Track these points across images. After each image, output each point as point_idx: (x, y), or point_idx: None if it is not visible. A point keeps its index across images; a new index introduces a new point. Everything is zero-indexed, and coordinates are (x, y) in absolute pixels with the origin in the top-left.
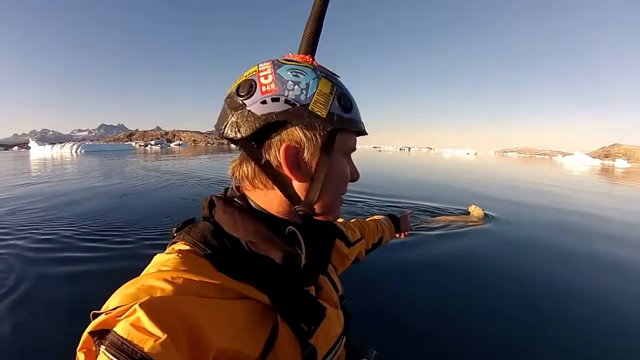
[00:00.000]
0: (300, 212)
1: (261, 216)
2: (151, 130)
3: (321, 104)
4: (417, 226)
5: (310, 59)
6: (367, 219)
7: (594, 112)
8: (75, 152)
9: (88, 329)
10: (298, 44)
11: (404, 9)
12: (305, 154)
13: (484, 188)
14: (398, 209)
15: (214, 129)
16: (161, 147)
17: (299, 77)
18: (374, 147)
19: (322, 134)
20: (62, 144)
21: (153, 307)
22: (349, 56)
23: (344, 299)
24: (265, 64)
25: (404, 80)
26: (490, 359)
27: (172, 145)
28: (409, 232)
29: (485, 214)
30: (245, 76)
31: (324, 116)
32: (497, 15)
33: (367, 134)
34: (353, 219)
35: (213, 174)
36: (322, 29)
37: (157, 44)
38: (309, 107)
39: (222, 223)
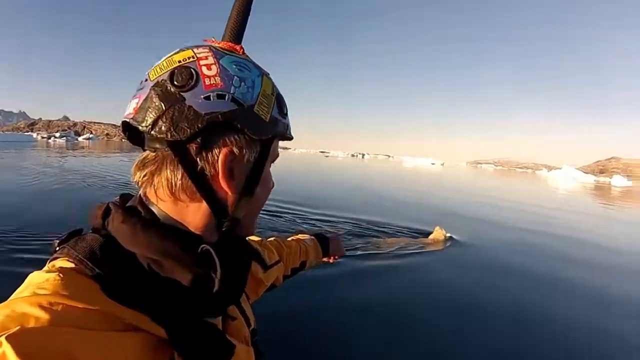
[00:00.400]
0: (225, 228)
1: (170, 230)
2: (57, 120)
3: (265, 106)
4: (364, 249)
5: (241, 51)
6: (289, 238)
7: (590, 120)
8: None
9: None
10: (218, 28)
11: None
12: (244, 162)
13: (450, 205)
14: (338, 226)
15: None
16: (67, 141)
17: (244, 72)
18: (321, 151)
19: (262, 140)
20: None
21: (23, 341)
22: (287, 46)
23: (257, 334)
24: (202, 50)
25: (357, 79)
26: None
27: (80, 139)
28: (340, 256)
29: (449, 237)
30: (179, 62)
31: (267, 120)
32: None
33: (292, 138)
34: (271, 237)
35: (125, 175)
36: (250, 14)
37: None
38: (254, 109)
39: (119, 236)
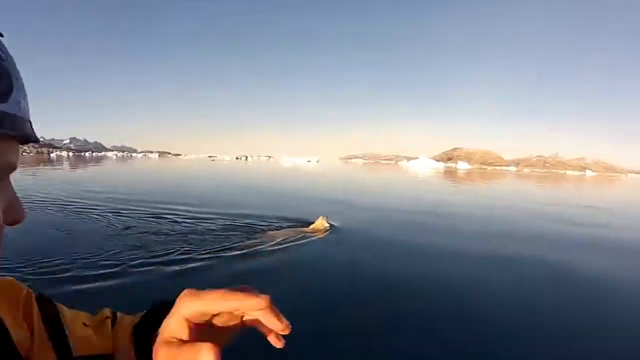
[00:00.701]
0: None
1: None
2: None
3: None
4: (249, 245)
5: None
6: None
7: (437, 116)
8: None
9: None
10: None
11: None
12: None
13: (326, 196)
14: (223, 224)
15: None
16: None
17: None
18: (209, 156)
19: None
20: None
21: None
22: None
23: None
24: None
25: (238, 85)
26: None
27: None
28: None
29: (329, 224)
30: None
31: None
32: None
33: (36, 140)
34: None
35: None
36: None
37: None
38: None
39: None
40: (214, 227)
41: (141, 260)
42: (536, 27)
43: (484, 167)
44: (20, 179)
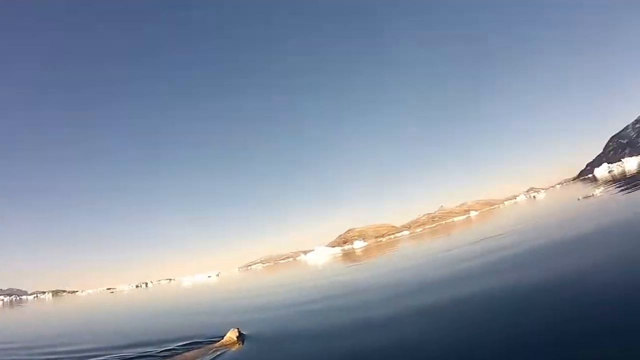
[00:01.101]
0: None
1: None
2: None
3: None
4: None
5: None
6: None
7: (327, 206)
8: None
9: None
10: None
11: None
12: None
13: (230, 308)
14: None
15: None
16: None
17: None
18: (107, 289)
19: None
20: None
21: None
22: None
23: None
24: None
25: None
26: None
27: None
28: None
29: (240, 334)
30: None
31: None
32: None
33: None
34: None
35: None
36: None
37: None
38: None
39: None
40: None
41: None
42: None
43: (379, 239)
44: None
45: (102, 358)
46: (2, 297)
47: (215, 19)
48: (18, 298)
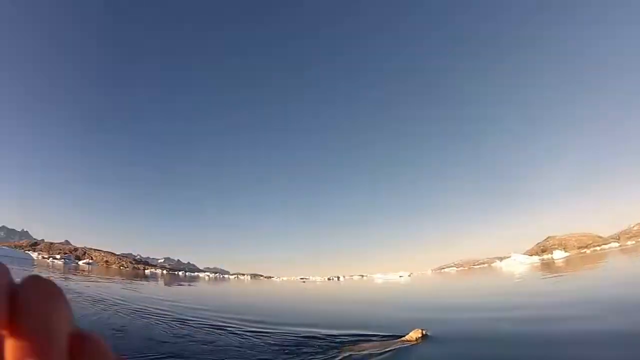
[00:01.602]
0: None
1: None
2: (59, 243)
3: None
4: (358, 353)
5: None
6: None
7: (524, 211)
8: None
9: None
10: None
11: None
12: None
13: (418, 308)
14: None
15: (129, 251)
16: (65, 263)
17: None
18: (300, 278)
19: None
20: None
21: None
22: None
23: None
24: None
25: (330, 207)
26: None
27: (80, 263)
28: None
29: (424, 334)
30: None
31: None
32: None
33: None
34: None
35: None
36: None
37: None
38: None
39: None
40: (287, 343)
41: None
42: None
43: (583, 250)
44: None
45: (276, 331)
46: (208, 273)
47: None
48: (221, 276)
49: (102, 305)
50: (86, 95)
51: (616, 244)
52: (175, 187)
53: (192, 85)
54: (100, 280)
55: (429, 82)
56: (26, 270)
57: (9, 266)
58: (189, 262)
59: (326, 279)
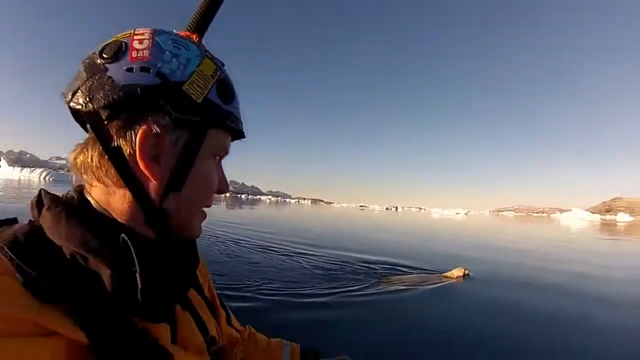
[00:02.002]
0: (152, 222)
1: (95, 220)
2: None
3: (198, 86)
4: (396, 284)
5: (196, 38)
6: (270, 339)
7: (595, 165)
8: (44, 179)
9: None
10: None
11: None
12: (168, 145)
13: (469, 249)
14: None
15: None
16: None
17: (180, 49)
18: (359, 205)
19: (192, 123)
20: (32, 169)
21: None
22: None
23: (216, 342)
24: (144, 28)
25: (391, 136)
26: None
27: None
28: None
29: (466, 274)
30: (117, 38)
31: (199, 101)
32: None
33: (245, 136)
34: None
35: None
36: (219, 10)
37: None
38: (184, 87)
39: (45, 225)
40: (329, 267)
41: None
42: None
43: None
44: None
45: (323, 254)
46: (270, 197)
47: None
48: (283, 200)
49: None
50: None
51: None
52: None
53: None
54: None
55: None
56: None
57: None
58: (252, 185)
59: (384, 209)
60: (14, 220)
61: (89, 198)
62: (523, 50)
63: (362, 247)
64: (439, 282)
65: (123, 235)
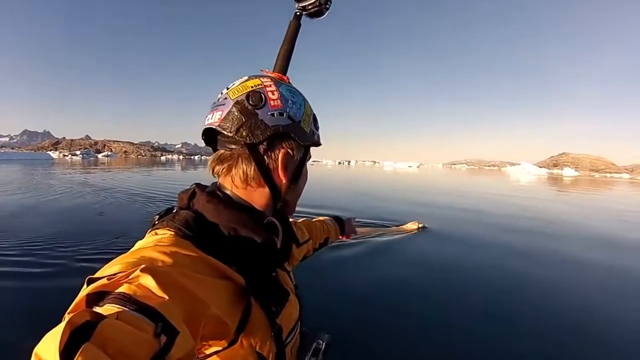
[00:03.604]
0: (278, 207)
1: (243, 208)
2: (80, 139)
3: (307, 122)
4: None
5: (287, 80)
6: (314, 219)
7: (544, 121)
8: None
9: (86, 291)
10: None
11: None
12: (294, 160)
13: (417, 199)
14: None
15: (146, 139)
16: (83, 158)
17: (295, 97)
18: (313, 161)
19: (305, 145)
20: None
21: (156, 273)
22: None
23: (298, 288)
24: (266, 79)
25: (347, 87)
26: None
27: (99, 156)
28: (354, 235)
29: (421, 226)
30: (252, 87)
31: (308, 132)
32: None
33: (321, 145)
34: (300, 218)
35: (142, 189)
36: (294, 51)
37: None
38: (301, 124)
39: (205, 212)
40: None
41: None
42: None
43: (593, 174)
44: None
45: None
46: None
47: None
48: None
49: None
50: None
51: (627, 175)
52: (192, 74)
53: None
54: (111, 171)
55: None
56: (45, 170)
57: (29, 169)
58: (205, 146)
59: (337, 163)
60: (172, 209)
61: (229, 193)
62: None
63: (313, 202)
64: (396, 235)
65: (270, 217)
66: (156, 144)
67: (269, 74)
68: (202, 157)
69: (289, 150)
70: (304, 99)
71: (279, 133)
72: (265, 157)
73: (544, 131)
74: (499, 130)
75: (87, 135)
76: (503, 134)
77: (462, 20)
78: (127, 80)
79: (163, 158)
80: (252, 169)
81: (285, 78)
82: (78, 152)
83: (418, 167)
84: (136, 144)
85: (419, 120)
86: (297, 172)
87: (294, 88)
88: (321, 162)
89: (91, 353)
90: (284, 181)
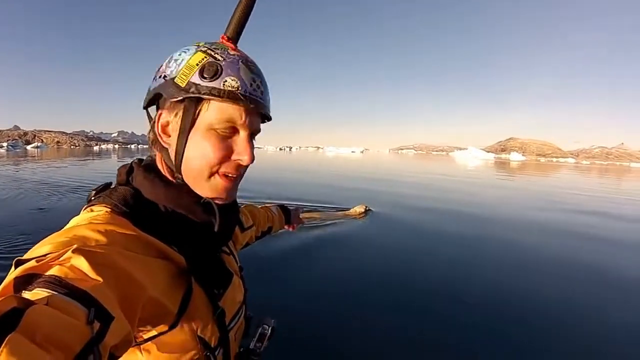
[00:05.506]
0: (178, 179)
1: (177, 185)
2: (7, 130)
3: (184, 75)
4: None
5: (226, 40)
6: (260, 207)
7: (493, 107)
8: None
9: (13, 275)
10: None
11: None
12: (171, 124)
13: (361, 184)
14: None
15: (80, 129)
16: (8, 150)
17: (181, 55)
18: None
19: (182, 104)
20: None
21: (89, 253)
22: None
23: (242, 270)
24: (191, 49)
25: (288, 75)
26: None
27: (29, 147)
28: (300, 225)
29: (367, 210)
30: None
31: (183, 86)
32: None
33: (270, 119)
34: (244, 204)
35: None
36: (250, 16)
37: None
38: (175, 80)
39: (143, 189)
40: None
41: None
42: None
43: (539, 158)
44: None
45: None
46: None
47: None
48: None
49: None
50: None
51: (572, 160)
52: (129, 57)
53: None
54: (43, 164)
55: None
56: None
57: None
58: (143, 134)
59: (277, 149)
60: (110, 184)
61: (159, 167)
62: None
63: (258, 186)
64: (342, 219)
65: (206, 198)
66: (91, 133)
67: (211, 42)
68: (140, 146)
69: (163, 112)
70: (198, 50)
71: (154, 95)
72: (153, 123)
73: (494, 118)
74: (449, 117)
75: (15, 126)
76: (453, 121)
77: (411, 5)
78: (58, 63)
79: (96, 148)
80: (151, 135)
81: (227, 41)
82: (4, 144)
83: (362, 152)
84: (69, 133)
85: (365, 106)
86: (180, 138)
87: (194, 46)
88: (262, 147)
89: (18, 344)
90: (169, 148)
